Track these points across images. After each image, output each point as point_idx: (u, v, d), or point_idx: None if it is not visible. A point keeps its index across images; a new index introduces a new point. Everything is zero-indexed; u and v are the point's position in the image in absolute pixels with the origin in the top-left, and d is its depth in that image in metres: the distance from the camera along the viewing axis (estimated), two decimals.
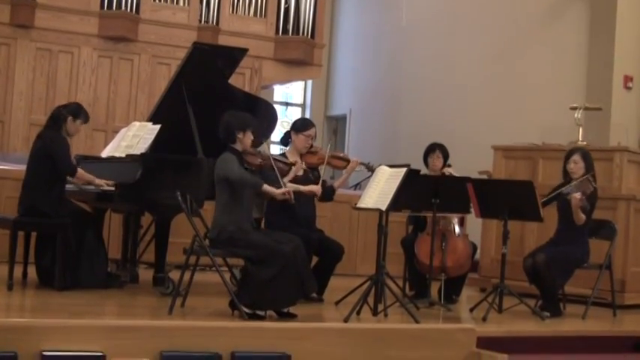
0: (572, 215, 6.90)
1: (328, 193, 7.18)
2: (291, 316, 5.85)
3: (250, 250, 5.76)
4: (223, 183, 5.95)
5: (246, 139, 6.11)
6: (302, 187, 6.53)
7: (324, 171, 6.91)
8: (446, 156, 7.62)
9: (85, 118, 6.94)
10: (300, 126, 7.17)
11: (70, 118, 6.79)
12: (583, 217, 6.91)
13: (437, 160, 7.58)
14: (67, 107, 6.90)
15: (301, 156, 7.05)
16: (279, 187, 6.14)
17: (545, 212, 6.86)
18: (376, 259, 6.36)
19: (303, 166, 6.36)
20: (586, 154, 7.13)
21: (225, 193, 5.95)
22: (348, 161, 7.16)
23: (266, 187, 6.02)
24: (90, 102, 11.53)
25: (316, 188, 6.67)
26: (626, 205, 8.05)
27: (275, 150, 10.69)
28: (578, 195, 6.76)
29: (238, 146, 6.10)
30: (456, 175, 7.43)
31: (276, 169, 6.22)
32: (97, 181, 6.84)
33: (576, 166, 7.07)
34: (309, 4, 12.84)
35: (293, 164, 6.37)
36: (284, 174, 6.32)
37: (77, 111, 6.87)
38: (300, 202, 6.85)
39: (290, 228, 6.66)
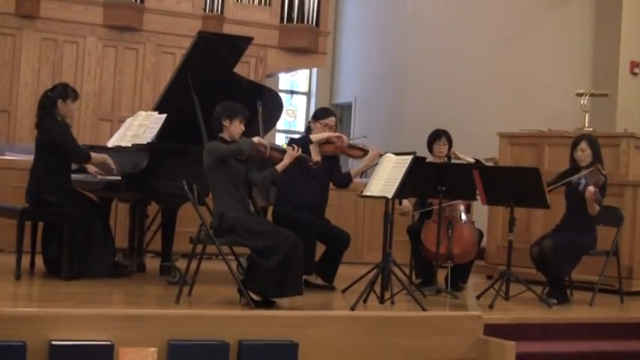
0: (581, 203, 6.87)
1: (344, 180, 7.20)
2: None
3: (253, 238, 5.75)
4: (214, 171, 5.93)
5: (232, 127, 6.05)
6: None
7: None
8: (450, 142, 7.62)
9: (75, 96, 6.82)
10: (320, 114, 7.20)
11: (59, 102, 6.70)
12: (597, 208, 6.88)
13: (442, 147, 7.59)
14: (53, 91, 6.78)
15: (320, 145, 7.05)
16: (273, 171, 6.18)
17: (552, 199, 6.84)
18: (382, 247, 6.36)
19: (298, 152, 6.32)
20: (593, 141, 7.10)
21: (218, 182, 5.94)
22: (364, 151, 7.16)
23: (258, 138, 6.09)
24: (95, 92, 11.57)
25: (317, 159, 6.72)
26: (632, 192, 8.03)
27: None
28: (592, 189, 6.73)
29: (226, 135, 6.07)
30: (462, 155, 7.44)
31: (275, 157, 6.21)
32: (110, 160, 6.84)
33: (584, 153, 7.04)
34: None
35: (285, 150, 6.34)
36: (277, 162, 6.30)
37: (64, 92, 6.75)
38: (309, 189, 6.86)
39: (295, 211, 6.68)
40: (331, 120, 7.12)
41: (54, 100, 6.70)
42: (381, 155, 6.96)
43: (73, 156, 6.70)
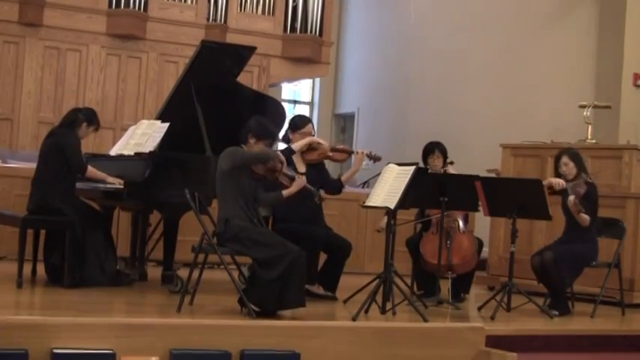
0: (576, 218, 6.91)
1: (335, 186, 7.18)
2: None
3: (256, 249, 5.75)
4: (226, 178, 5.92)
5: (256, 147, 6.04)
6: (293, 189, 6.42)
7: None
8: (445, 154, 7.57)
9: (97, 125, 7.03)
10: (298, 124, 7.15)
11: (85, 124, 6.86)
12: (586, 217, 6.89)
13: (437, 160, 7.52)
14: (83, 112, 6.95)
15: (302, 153, 7.04)
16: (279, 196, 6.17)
17: (554, 211, 6.85)
18: (384, 258, 6.35)
19: (305, 182, 6.35)
20: (574, 155, 7.11)
21: (227, 189, 5.93)
22: (349, 153, 7.15)
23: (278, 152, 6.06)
24: (98, 100, 11.58)
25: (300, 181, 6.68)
26: (635, 204, 8.02)
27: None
28: (572, 199, 6.76)
29: (246, 149, 6.06)
30: (454, 173, 7.40)
31: (283, 182, 6.20)
32: (110, 179, 6.86)
33: (567, 167, 7.06)
34: (317, 2, 12.87)
35: (293, 178, 6.33)
36: (284, 187, 6.29)
37: (92, 118, 6.95)
38: (304, 202, 6.86)
39: (297, 225, 6.67)
40: (309, 127, 7.12)
41: (81, 120, 6.83)
42: (367, 155, 6.98)
43: (71, 162, 6.70)
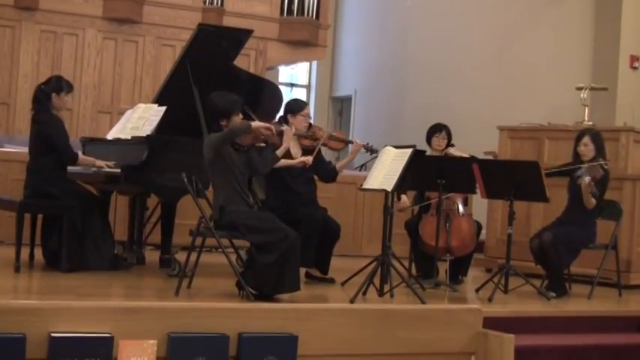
0: (582, 197, 6.89)
1: (330, 174, 7.15)
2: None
3: (253, 234, 5.74)
4: (214, 164, 5.90)
5: (232, 124, 5.99)
6: (292, 162, 6.39)
7: (318, 148, 6.89)
8: (450, 137, 7.60)
9: (69, 88, 6.80)
10: (296, 107, 7.06)
11: (53, 95, 6.69)
12: (593, 201, 6.90)
13: (442, 141, 7.55)
14: (47, 84, 6.76)
15: (299, 137, 7.01)
16: (275, 156, 6.13)
17: (551, 193, 6.85)
18: (382, 240, 6.36)
19: (293, 130, 6.29)
20: (596, 136, 7.11)
21: (218, 175, 5.90)
22: (345, 142, 7.14)
23: (257, 122, 5.93)
24: (95, 84, 11.56)
25: (306, 158, 6.60)
26: (632, 186, 8.04)
27: None
28: (587, 179, 6.75)
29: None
30: (457, 154, 7.40)
31: (275, 142, 6.17)
32: (98, 162, 6.84)
33: (586, 148, 7.06)
34: None
35: (281, 133, 6.25)
36: (278, 147, 6.26)
37: (58, 85, 6.74)
38: (299, 181, 6.85)
39: (291, 209, 6.66)
40: (308, 108, 7.09)
41: (48, 93, 6.69)
42: (364, 147, 6.96)
43: (61, 154, 6.67)
